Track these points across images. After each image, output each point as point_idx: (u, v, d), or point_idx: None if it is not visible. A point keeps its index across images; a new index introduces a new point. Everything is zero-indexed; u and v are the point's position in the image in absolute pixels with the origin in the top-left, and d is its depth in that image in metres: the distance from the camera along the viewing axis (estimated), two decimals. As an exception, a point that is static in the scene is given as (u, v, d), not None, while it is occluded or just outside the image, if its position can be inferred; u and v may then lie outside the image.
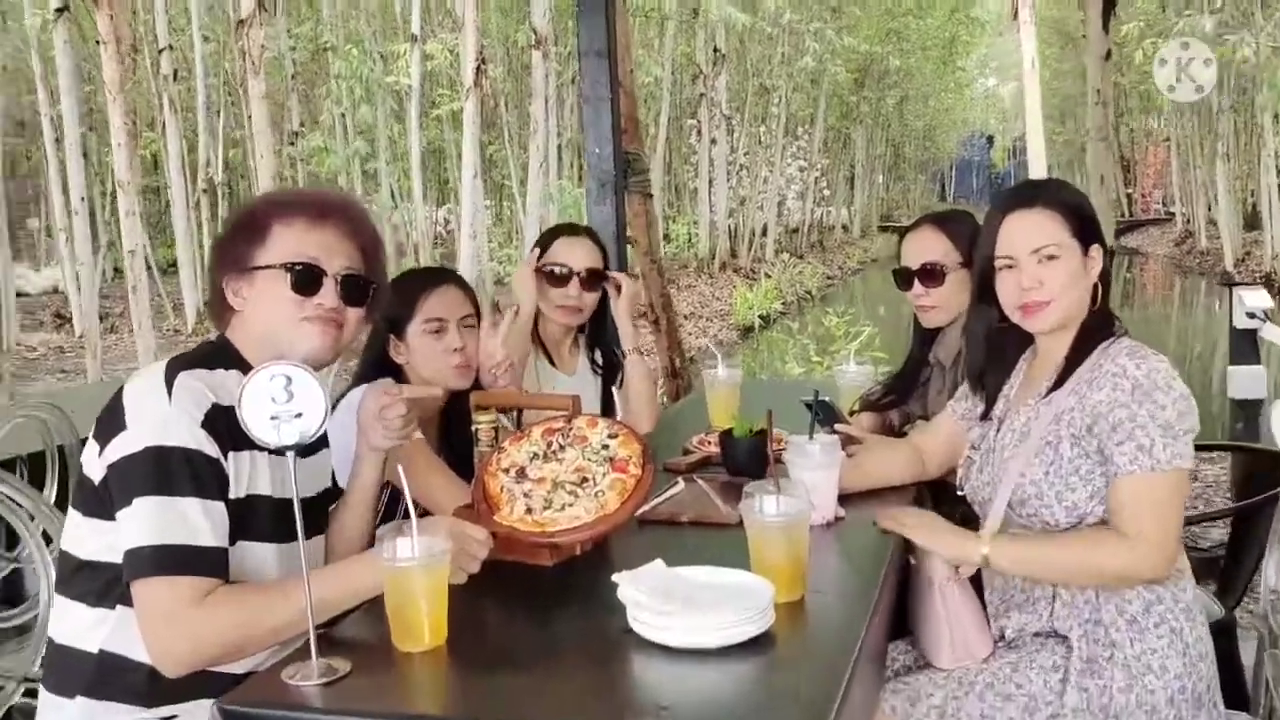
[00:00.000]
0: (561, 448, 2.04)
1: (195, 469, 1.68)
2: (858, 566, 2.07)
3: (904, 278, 2.78)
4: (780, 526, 1.79)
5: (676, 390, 5.23)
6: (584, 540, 1.92)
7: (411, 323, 2.46)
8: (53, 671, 1.81)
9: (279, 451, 1.57)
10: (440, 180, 19.54)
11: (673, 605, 1.66)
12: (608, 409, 3.09)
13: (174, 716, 1.73)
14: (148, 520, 1.65)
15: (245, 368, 1.81)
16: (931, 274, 2.72)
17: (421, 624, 1.64)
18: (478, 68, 10.11)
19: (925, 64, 28.67)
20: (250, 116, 10.72)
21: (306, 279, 1.82)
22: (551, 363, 3.07)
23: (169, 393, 1.71)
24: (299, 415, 1.57)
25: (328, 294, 1.84)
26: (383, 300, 1.99)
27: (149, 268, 10.26)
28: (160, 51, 13.00)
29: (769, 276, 19.92)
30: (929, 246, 2.75)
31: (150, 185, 17.65)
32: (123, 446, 1.69)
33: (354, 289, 1.87)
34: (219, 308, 1.88)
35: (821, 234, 28.84)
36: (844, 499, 2.27)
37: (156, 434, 1.68)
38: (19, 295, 15.85)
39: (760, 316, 16.48)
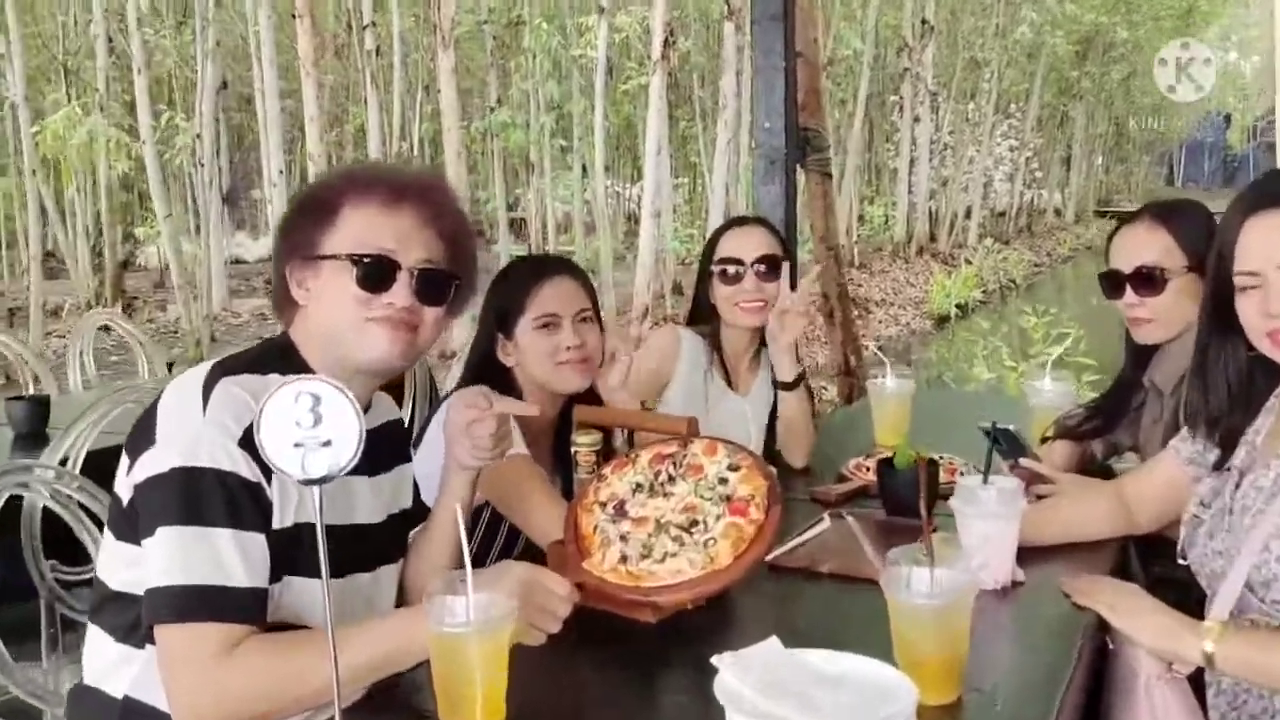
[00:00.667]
0: (671, 479, 1.69)
1: (230, 494, 1.43)
2: (1037, 651, 1.64)
3: (1113, 283, 2.28)
4: (933, 611, 1.39)
5: (850, 391, 4.78)
6: (685, 601, 1.57)
7: (522, 319, 2.17)
8: (77, 714, 1.61)
9: (311, 483, 1.29)
10: (635, 157, 19.37)
11: (784, 706, 1.29)
12: (774, 433, 2.72)
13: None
14: (172, 554, 1.42)
15: (307, 372, 1.56)
16: (1149, 280, 2.21)
17: (474, 701, 1.35)
18: (665, 40, 9.81)
19: (1158, 36, 26.49)
20: (439, 91, 10.78)
21: (376, 273, 1.55)
22: (728, 382, 2.70)
23: (204, 403, 1.47)
24: (327, 443, 1.28)
25: (400, 291, 1.56)
26: (468, 298, 1.71)
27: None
28: (364, 28, 13.29)
29: (969, 263, 18.84)
30: (1147, 245, 2.24)
31: (358, 159, 18.22)
32: (150, 465, 1.46)
33: (432, 285, 1.59)
34: (282, 300, 1.63)
35: (1031, 218, 27.18)
36: (1024, 555, 1.84)
37: (186, 452, 1.44)
38: (237, 262, 16.75)
39: (957, 305, 15.57)
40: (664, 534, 1.60)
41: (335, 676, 1.25)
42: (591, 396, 2.19)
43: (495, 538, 2.14)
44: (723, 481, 1.66)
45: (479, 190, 17.56)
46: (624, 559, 1.57)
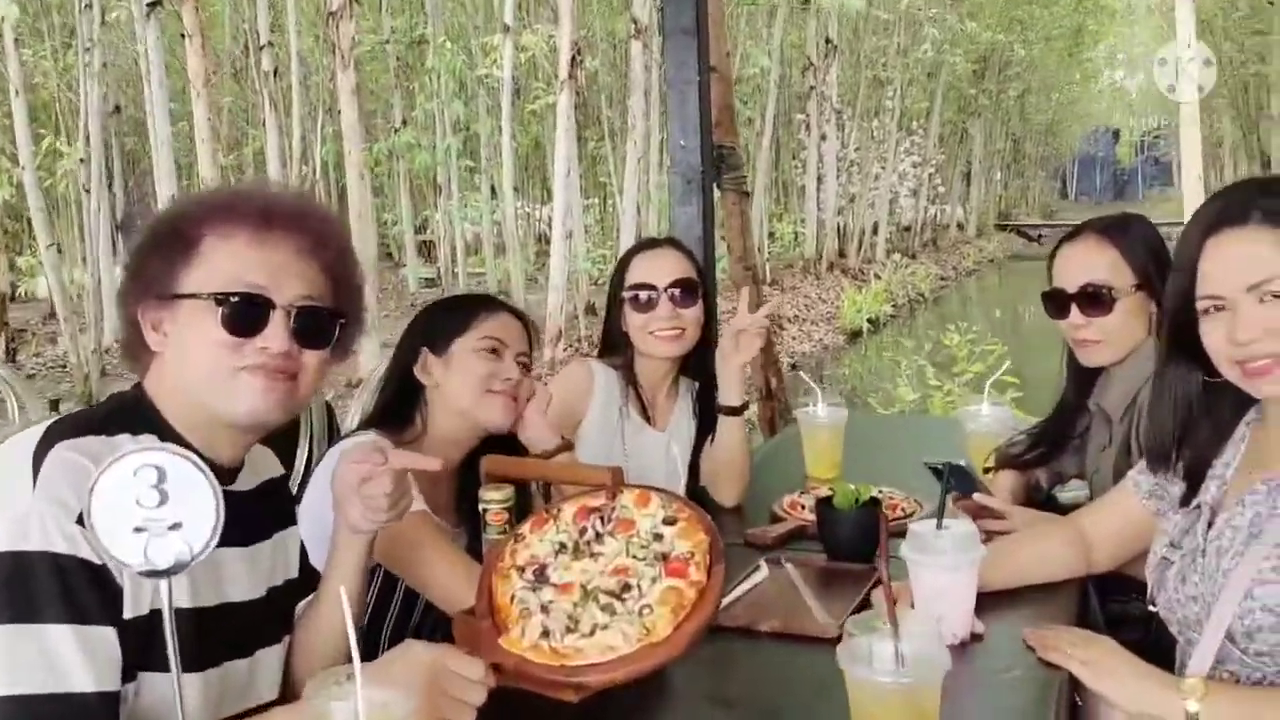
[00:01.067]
0: (599, 536, 1.47)
1: (66, 582, 1.19)
2: (1008, 716, 1.48)
3: (1057, 303, 2.15)
4: (901, 693, 1.21)
5: (771, 416, 4.63)
6: (618, 681, 1.36)
7: (461, 338, 1.97)
8: None
9: (156, 574, 1.06)
10: (544, 178, 19.17)
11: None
12: (697, 470, 2.49)
13: None
14: (6, 655, 1.17)
15: (164, 431, 1.33)
16: (1095, 299, 2.09)
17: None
18: (573, 59, 9.64)
19: (1049, 55, 27.24)
20: (340, 112, 10.44)
21: (245, 314, 1.33)
22: (646, 417, 2.50)
23: (34, 474, 1.22)
24: (176, 526, 1.06)
25: (275, 334, 1.35)
26: (355, 336, 1.49)
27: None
28: (261, 48, 12.87)
29: (879, 278, 19.02)
30: (1093, 262, 2.11)
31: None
32: None
33: (312, 325, 1.39)
34: (133, 346, 1.39)
35: (935, 233, 27.64)
36: (980, 601, 1.68)
37: (11, 535, 1.19)
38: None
39: (869, 320, 15.67)
40: (592, 602, 1.38)
41: None
42: (505, 446, 1.98)
43: (392, 597, 1.90)
44: (658, 538, 1.44)
45: (385, 213, 17.18)
46: (546, 633, 1.35)
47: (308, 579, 1.56)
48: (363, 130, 9.42)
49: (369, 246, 9.76)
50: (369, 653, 1.87)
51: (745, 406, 2.41)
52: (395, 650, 1.29)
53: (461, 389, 1.95)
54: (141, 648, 1.24)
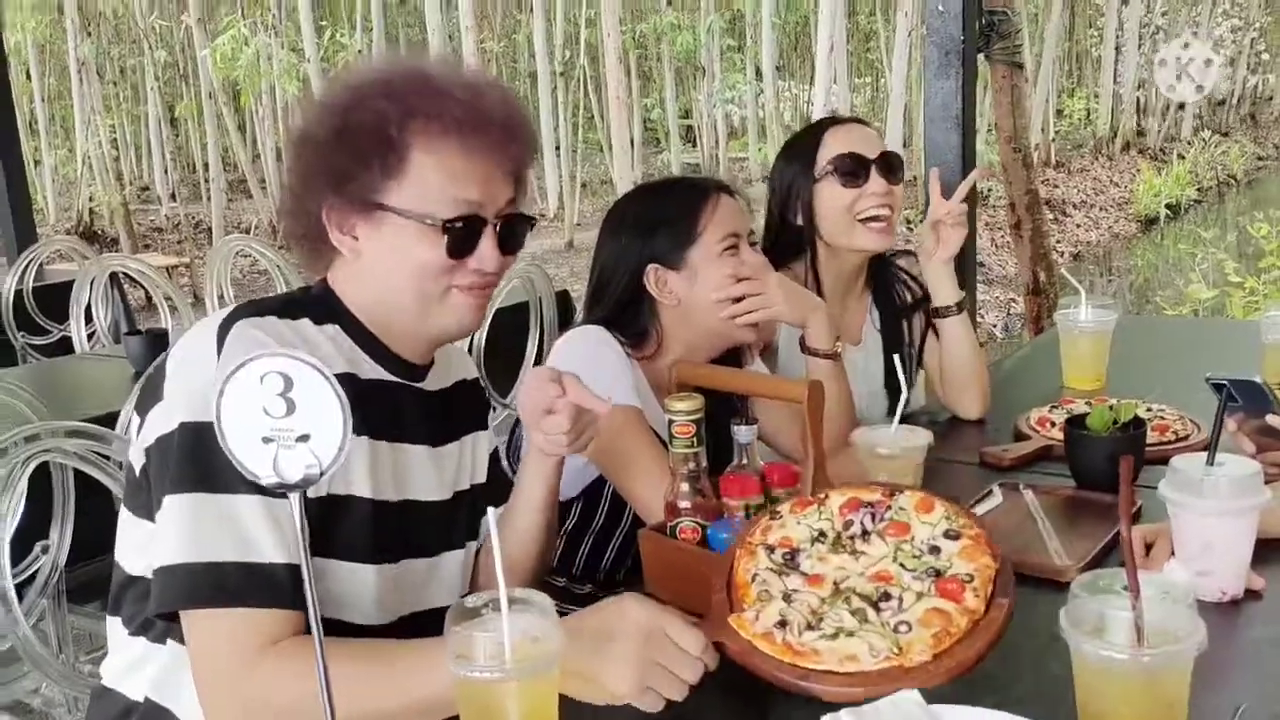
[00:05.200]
0: (865, 534, 1.25)
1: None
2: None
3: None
4: (1139, 674, 0.99)
5: (1038, 314, 4.21)
6: (855, 698, 1.10)
7: (695, 246, 1.76)
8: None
9: (286, 489, 0.99)
10: (811, 57, 18.43)
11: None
12: (893, 392, 2.11)
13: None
14: (183, 527, 1.16)
15: (352, 327, 1.30)
16: None
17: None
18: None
19: None
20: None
21: (465, 237, 1.26)
22: None
23: (219, 348, 1.20)
24: (304, 438, 0.98)
25: (488, 252, 1.28)
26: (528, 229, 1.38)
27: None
28: (528, -69, 12.94)
29: (1182, 158, 17.15)
30: None
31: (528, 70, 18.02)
32: (158, 424, 1.22)
33: (515, 233, 1.33)
34: (312, 240, 1.31)
35: (1255, 106, 24.61)
36: (1260, 551, 1.39)
37: (197, 406, 1.16)
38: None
39: (1168, 206, 14.20)
40: (842, 602, 1.17)
41: (323, 685, 0.96)
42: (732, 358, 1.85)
43: (597, 507, 1.82)
44: (934, 550, 1.20)
45: (646, 97, 17.10)
46: (783, 623, 1.17)
47: (498, 486, 1.50)
48: (625, 13, 9.28)
49: (625, 131, 9.71)
50: (564, 570, 1.85)
51: (962, 304, 2.10)
52: (610, 602, 1.19)
53: (710, 305, 1.76)
54: (322, 532, 1.21)
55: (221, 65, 9.97)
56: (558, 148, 13.81)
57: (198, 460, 1.16)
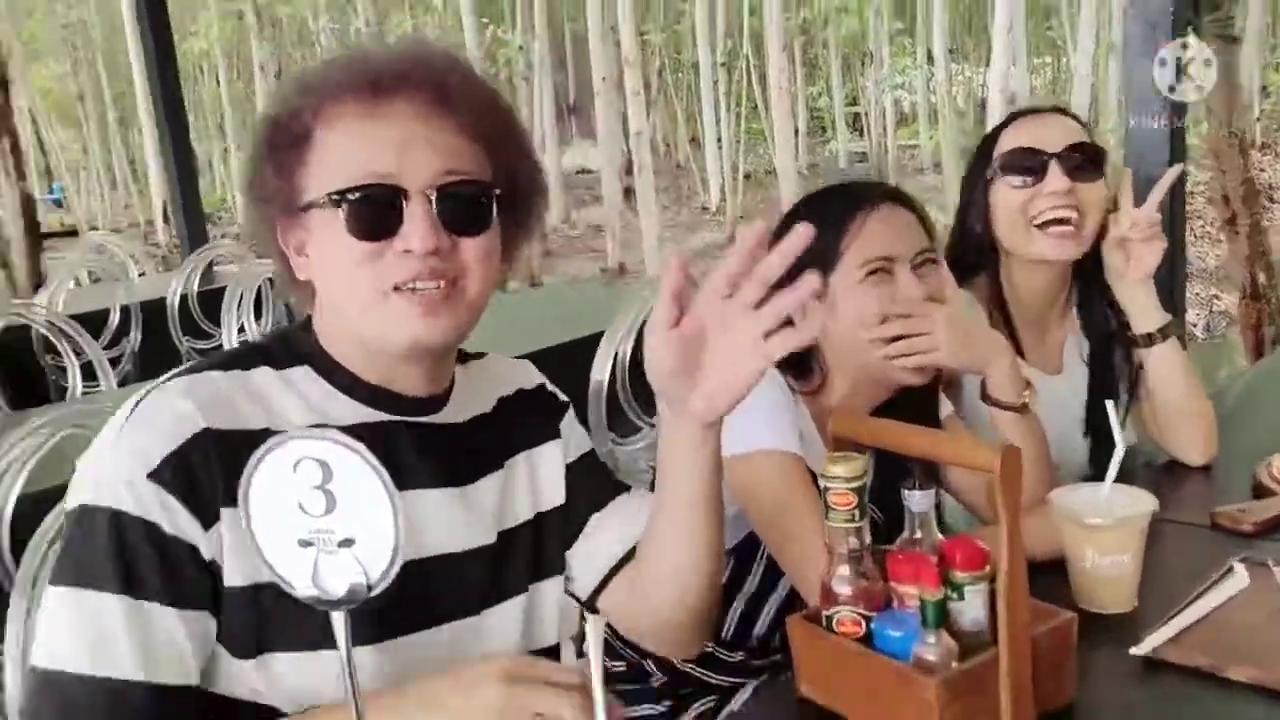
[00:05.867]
0: None
1: (125, 546, 0.95)
2: None
3: None
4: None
5: (1258, 323, 3.70)
6: None
7: (835, 272, 1.46)
8: None
9: (328, 605, 0.79)
10: (987, 37, 17.52)
11: None
12: (1100, 449, 1.77)
13: None
14: (51, 622, 0.97)
15: (322, 363, 1.08)
16: None
17: None
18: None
19: None
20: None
21: (373, 212, 1.00)
22: (1019, 351, 1.78)
23: (129, 414, 1.00)
24: (347, 542, 0.77)
25: (416, 228, 0.99)
26: (530, 213, 1.13)
27: (669, 147, 10.16)
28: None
29: None
30: None
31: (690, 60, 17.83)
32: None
33: (463, 205, 1.03)
34: (285, 279, 1.11)
35: None
36: None
37: (86, 486, 0.98)
38: (582, 172, 16.97)
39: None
40: None
41: None
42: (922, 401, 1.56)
43: (751, 564, 1.56)
44: None
45: (811, 85, 16.64)
46: None
47: (593, 493, 1.24)
48: (787, -2, 8.96)
49: (789, 121, 9.39)
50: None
51: (1169, 330, 1.75)
52: (460, 673, 0.95)
53: (856, 341, 1.48)
54: (260, 625, 0.99)
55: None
56: (719, 139, 13.56)
57: (76, 549, 0.97)
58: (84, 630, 0.95)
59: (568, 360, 2.89)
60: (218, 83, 17.72)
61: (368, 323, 1.03)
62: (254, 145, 1.06)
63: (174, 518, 0.95)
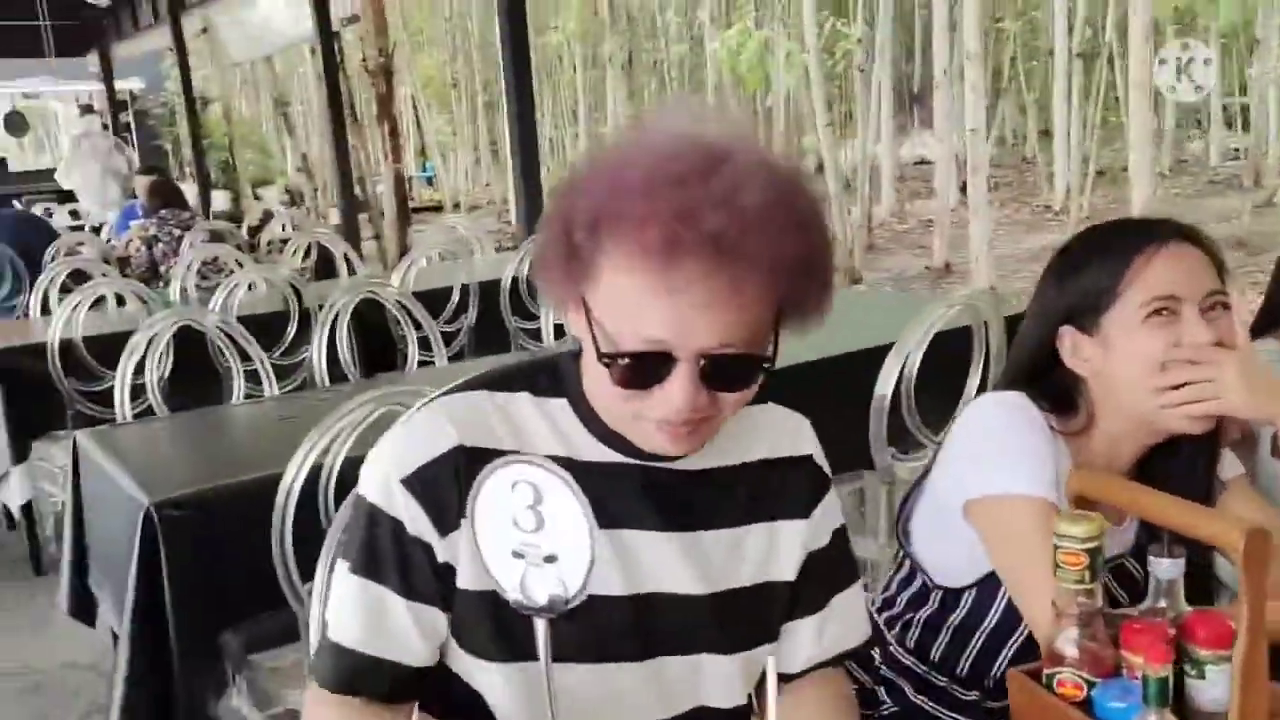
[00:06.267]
0: None
1: (375, 538, 1.09)
2: None
3: None
4: None
5: None
6: None
7: (1112, 310, 1.40)
8: None
9: (531, 611, 0.89)
10: None
11: None
12: None
13: None
14: (332, 591, 1.15)
15: (578, 401, 1.13)
16: None
17: None
18: None
19: None
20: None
21: (639, 372, 1.01)
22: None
23: (405, 422, 1.15)
24: (551, 558, 0.87)
25: (675, 394, 1.00)
26: (817, 310, 1.07)
27: (1016, 140, 9.70)
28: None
29: None
30: None
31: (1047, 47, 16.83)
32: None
33: (728, 371, 1.02)
34: (558, 294, 1.11)
35: None
36: None
37: (364, 476, 1.13)
38: (921, 163, 16.54)
39: None
40: None
41: None
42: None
43: (994, 599, 1.53)
44: None
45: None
46: None
47: (826, 580, 1.25)
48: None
49: (1148, 115, 8.68)
50: (948, 670, 1.57)
51: None
52: None
53: (1131, 385, 1.39)
54: (500, 626, 1.09)
55: (727, 58, 10.40)
56: (1069, 133, 12.76)
57: (350, 530, 1.13)
58: (348, 600, 1.11)
59: (854, 369, 2.86)
60: (574, 70, 18.83)
61: (621, 425, 1.08)
62: (543, 240, 1.06)
63: (415, 521, 1.07)
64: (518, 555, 0.88)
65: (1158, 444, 1.44)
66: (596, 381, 1.06)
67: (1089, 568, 1.12)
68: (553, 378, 1.15)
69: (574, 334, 1.09)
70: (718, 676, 1.18)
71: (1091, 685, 1.11)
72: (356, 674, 1.10)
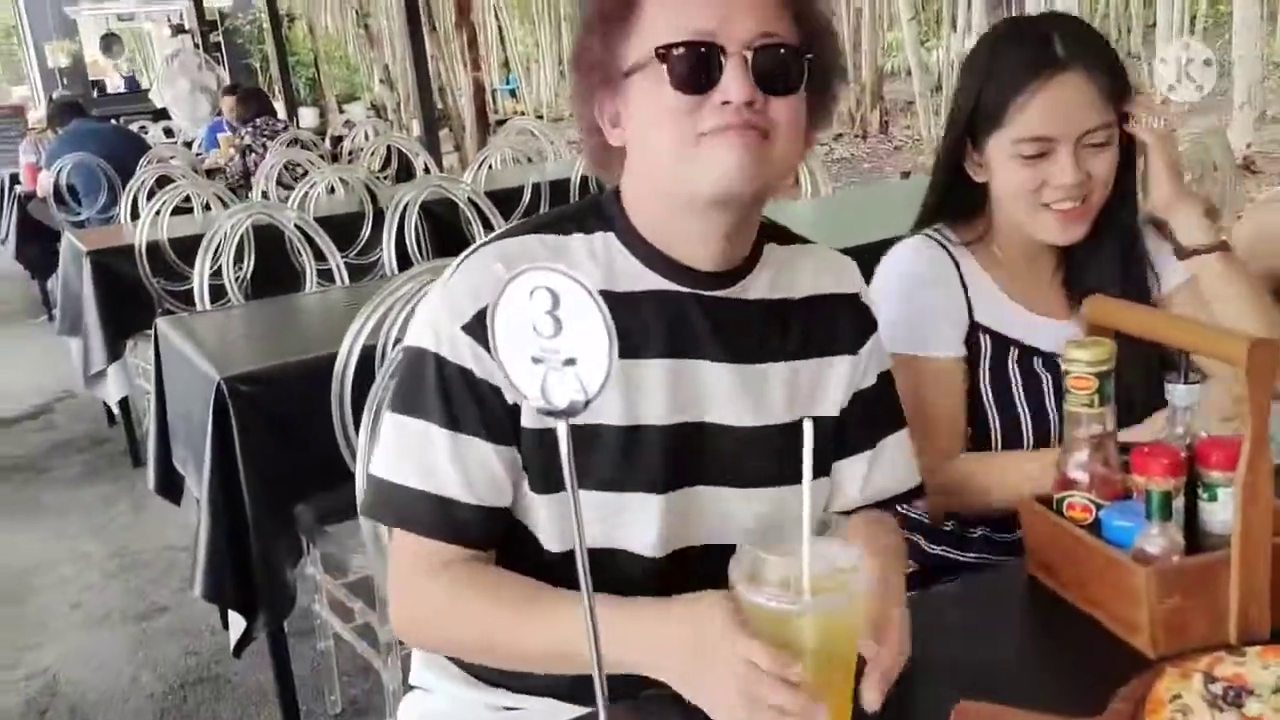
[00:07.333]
0: None
1: (445, 387, 1.10)
2: None
3: None
4: None
5: None
6: None
7: (995, 136, 1.46)
8: None
9: (553, 414, 0.88)
10: None
11: None
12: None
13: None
14: (386, 442, 1.16)
15: (625, 230, 1.16)
16: None
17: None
18: None
19: None
20: None
21: (695, 67, 1.06)
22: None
23: (453, 272, 1.15)
24: (570, 361, 0.86)
25: (734, 83, 1.05)
26: (833, 83, 1.15)
27: (1117, 35, 9.21)
28: None
29: None
30: None
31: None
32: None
33: (776, 66, 1.07)
34: (600, 155, 1.18)
35: None
36: None
37: (417, 328, 1.16)
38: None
39: None
40: None
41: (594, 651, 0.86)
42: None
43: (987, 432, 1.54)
44: None
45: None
46: None
47: (873, 427, 1.24)
48: None
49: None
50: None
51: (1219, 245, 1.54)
52: (698, 603, 0.97)
53: (1006, 200, 1.49)
54: (547, 463, 1.11)
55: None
56: (1173, 26, 12.11)
57: (405, 381, 1.14)
58: (414, 452, 1.12)
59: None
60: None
61: (679, 170, 1.08)
62: (585, 20, 1.15)
63: (483, 364, 1.09)
64: (537, 361, 0.87)
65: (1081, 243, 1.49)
66: (651, 134, 1.09)
67: (1098, 392, 1.14)
68: (598, 212, 1.17)
69: (618, 131, 1.13)
70: (738, 512, 1.17)
71: (1100, 507, 1.12)
72: (456, 521, 1.11)
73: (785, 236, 1.24)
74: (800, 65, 1.09)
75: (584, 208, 1.19)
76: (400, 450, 1.13)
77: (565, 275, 0.84)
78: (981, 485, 1.43)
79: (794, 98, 1.09)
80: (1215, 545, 1.05)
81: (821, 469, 1.22)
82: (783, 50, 1.07)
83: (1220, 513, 1.06)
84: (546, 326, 0.86)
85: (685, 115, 1.06)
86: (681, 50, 1.05)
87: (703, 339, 1.14)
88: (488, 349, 1.04)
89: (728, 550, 1.12)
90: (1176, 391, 1.12)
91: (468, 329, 1.09)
